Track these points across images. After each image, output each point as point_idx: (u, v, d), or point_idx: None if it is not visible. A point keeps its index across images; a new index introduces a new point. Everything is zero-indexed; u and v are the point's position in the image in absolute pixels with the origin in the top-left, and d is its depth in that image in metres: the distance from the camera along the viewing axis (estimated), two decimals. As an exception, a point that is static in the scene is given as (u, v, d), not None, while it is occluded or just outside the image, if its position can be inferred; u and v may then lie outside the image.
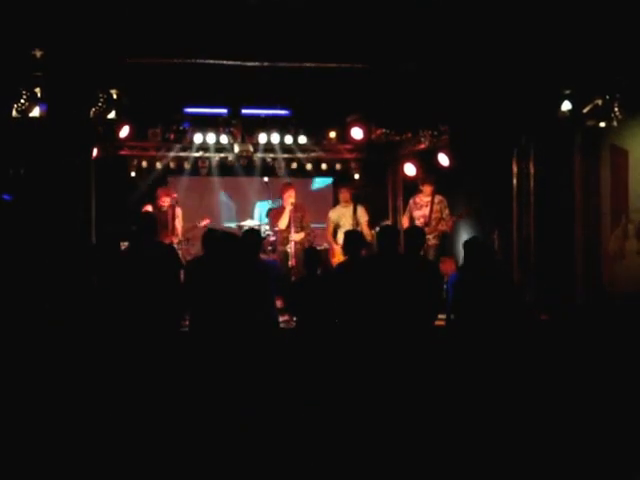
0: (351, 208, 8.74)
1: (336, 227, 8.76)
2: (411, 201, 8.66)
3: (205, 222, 8.62)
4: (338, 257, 8.19)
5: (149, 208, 8.37)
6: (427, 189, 8.46)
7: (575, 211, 7.96)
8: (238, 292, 5.27)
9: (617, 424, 5.09)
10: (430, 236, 8.03)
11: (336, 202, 9.38)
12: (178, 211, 8.60)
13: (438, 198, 8.40)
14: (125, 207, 8.78)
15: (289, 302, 5.93)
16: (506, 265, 7.89)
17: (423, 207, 8.45)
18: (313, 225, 9.02)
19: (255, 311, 5.31)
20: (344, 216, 8.75)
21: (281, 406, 5.55)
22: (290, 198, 8.40)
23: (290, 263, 8.27)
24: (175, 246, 7.71)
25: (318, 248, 7.21)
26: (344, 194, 8.89)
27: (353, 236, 5.95)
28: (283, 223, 8.47)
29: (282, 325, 6.28)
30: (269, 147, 9.23)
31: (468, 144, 8.22)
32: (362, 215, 8.74)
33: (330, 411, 5.68)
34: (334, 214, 8.89)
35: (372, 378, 5.18)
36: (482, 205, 8.56)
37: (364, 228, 8.54)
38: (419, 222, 8.31)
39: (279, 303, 6.05)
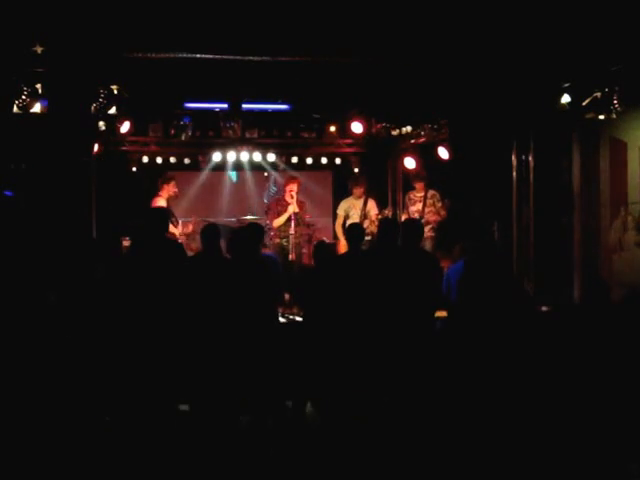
0: (362, 201, 8.78)
1: (346, 218, 8.79)
2: (406, 197, 8.88)
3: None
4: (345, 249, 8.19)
5: (162, 203, 8.36)
6: (419, 186, 8.63)
7: (574, 203, 8.00)
8: (239, 287, 5.26)
9: (615, 415, 5.12)
10: (425, 229, 8.08)
11: (336, 195, 9.35)
12: None
13: (431, 193, 8.56)
14: (126, 202, 8.81)
15: (299, 295, 5.92)
16: (507, 257, 7.92)
17: (417, 202, 8.61)
18: (312, 219, 9.04)
19: (257, 306, 5.31)
20: (354, 207, 8.81)
21: (283, 400, 5.60)
22: (292, 192, 8.42)
23: (290, 257, 8.29)
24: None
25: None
26: (359, 189, 8.84)
27: (356, 229, 6.04)
28: (278, 222, 8.48)
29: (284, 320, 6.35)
30: (269, 141, 9.26)
31: (468, 137, 8.24)
32: (372, 208, 8.76)
33: (332, 405, 5.73)
34: (345, 204, 8.92)
35: (374, 370, 5.22)
36: (482, 197, 8.58)
37: (372, 220, 8.55)
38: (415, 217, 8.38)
39: (286, 297, 6.07)
